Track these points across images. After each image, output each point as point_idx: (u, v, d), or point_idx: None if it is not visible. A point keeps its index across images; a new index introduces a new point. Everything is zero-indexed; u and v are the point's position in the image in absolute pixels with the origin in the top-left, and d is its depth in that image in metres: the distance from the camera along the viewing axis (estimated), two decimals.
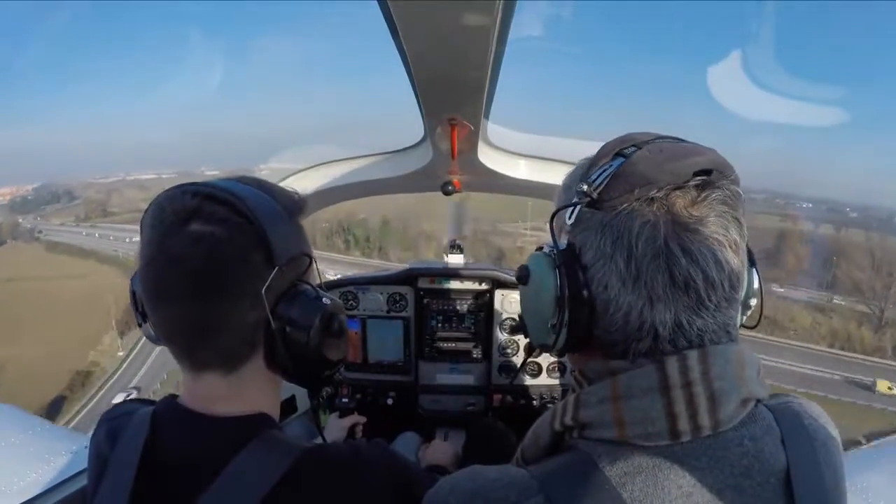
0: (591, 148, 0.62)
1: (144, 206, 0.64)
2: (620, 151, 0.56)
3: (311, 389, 0.76)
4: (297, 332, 0.65)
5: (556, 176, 1.58)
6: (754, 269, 0.61)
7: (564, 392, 2.03)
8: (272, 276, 0.62)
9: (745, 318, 0.63)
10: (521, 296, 0.66)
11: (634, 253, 0.51)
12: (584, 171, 0.59)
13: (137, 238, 0.64)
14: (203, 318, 0.62)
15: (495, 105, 1.13)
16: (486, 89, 0.97)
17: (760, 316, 0.65)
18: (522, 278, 0.63)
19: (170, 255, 0.60)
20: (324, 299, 0.67)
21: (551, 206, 0.63)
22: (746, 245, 0.57)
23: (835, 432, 0.59)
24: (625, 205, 0.52)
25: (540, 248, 0.62)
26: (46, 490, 1.16)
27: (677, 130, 0.61)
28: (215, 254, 0.60)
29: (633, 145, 0.56)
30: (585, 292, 0.55)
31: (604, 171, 0.55)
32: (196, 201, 0.61)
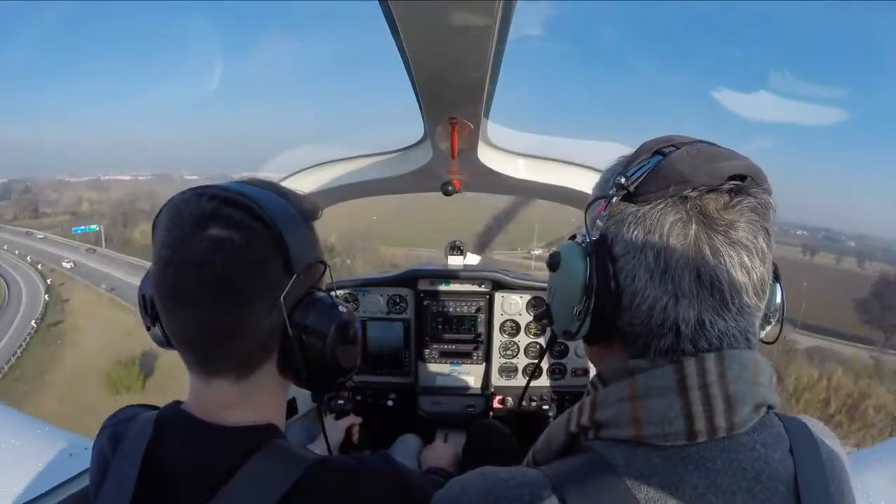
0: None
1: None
2: (659, 150, 0.57)
3: (321, 394, 0.76)
4: (313, 339, 0.65)
5: (557, 176, 1.57)
6: (778, 284, 0.62)
7: (562, 394, 2.03)
8: (290, 283, 0.62)
9: (763, 333, 0.63)
10: (550, 282, 0.67)
11: (664, 247, 0.53)
12: (624, 165, 0.60)
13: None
14: (220, 324, 0.61)
15: (495, 104, 1.13)
16: (487, 88, 0.97)
17: (780, 332, 0.65)
18: (553, 265, 0.64)
19: (187, 260, 0.59)
20: (339, 307, 0.68)
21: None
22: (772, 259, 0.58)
23: (840, 450, 0.60)
24: (659, 200, 0.54)
25: (573, 237, 0.63)
26: (46, 493, 1.15)
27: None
28: (234, 260, 0.60)
29: (672, 145, 0.57)
30: (613, 282, 0.56)
31: (642, 166, 0.57)
32: (213, 205, 0.60)
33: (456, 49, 0.81)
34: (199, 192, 0.62)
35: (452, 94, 1.03)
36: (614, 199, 0.57)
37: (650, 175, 0.55)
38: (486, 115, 1.19)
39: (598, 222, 0.59)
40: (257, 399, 0.67)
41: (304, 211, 0.69)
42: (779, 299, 0.62)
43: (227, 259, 0.59)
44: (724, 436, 0.51)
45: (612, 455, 0.52)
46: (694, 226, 0.52)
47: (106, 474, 0.65)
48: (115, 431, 0.69)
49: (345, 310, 0.69)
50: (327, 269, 0.72)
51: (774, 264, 0.59)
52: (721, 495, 0.49)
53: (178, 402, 0.69)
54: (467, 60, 0.85)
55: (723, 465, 0.50)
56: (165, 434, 0.65)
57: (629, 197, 0.56)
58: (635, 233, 0.55)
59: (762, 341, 0.64)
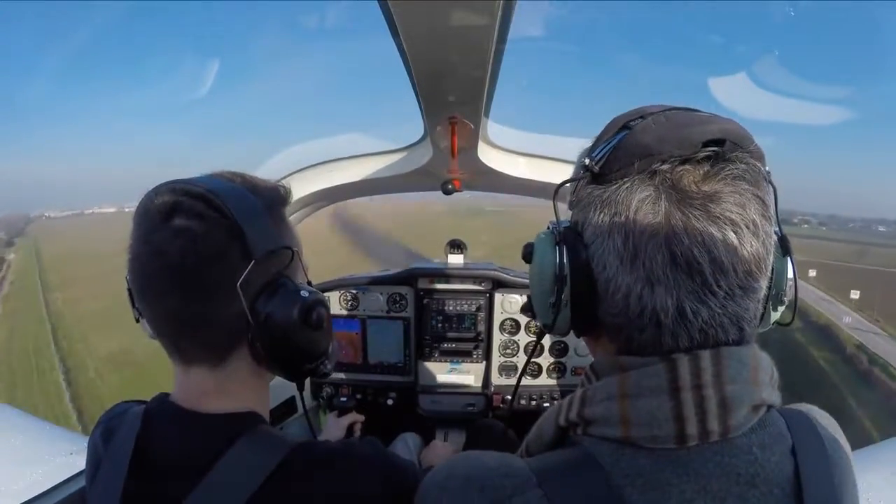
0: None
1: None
2: (626, 123, 0.52)
3: (297, 382, 0.76)
4: (275, 325, 0.65)
5: (556, 175, 1.58)
6: (788, 259, 0.55)
7: (563, 393, 2.03)
8: (248, 269, 0.62)
9: (777, 313, 0.57)
10: (529, 274, 0.64)
11: (632, 229, 0.48)
12: (592, 145, 0.55)
13: None
14: (185, 312, 0.63)
15: (495, 104, 1.13)
16: (487, 88, 0.97)
17: (794, 312, 0.58)
18: (526, 256, 0.60)
19: (152, 250, 0.62)
20: (302, 292, 0.67)
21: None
22: (780, 231, 0.53)
23: (846, 446, 0.56)
24: (625, 178, 0.49)
25: (548, 227, 0.60)
26: (45, 492, 1.15)
27: None
28: (193, 248, 0.61)
29: (640, 116, 0.52)
30: (585, 271, 0.52)
31: (607, 144, 0.52)
32: (176, 198, 0.63)
33: (456, 49, 0.81)
34: (165, 188, 0.65)
35: (452, 94, 1.03)
36: (581, 183, 0.53)
37: (614, 153, 0.50)
38: (486, 115, 1.19)
39: (568, 209, 0.56)
40: (235, 387, 0.68)
41: (268, 200, 0.69)
42: (790, 275, 0.56)
43: (185, 248, 0.61)
44: (718, 439, 0.47)
45: (600, 453, 0.49)
46: (664, 202, 0.47)
47: (98, 469, 0.66)
48: (107, 427, 0.71)
49: (307, 294, 0.67)
50: (295, 254, 0.71)
51: (783, 237, 0.54)
52: (711, 500, 0.46)
53: (165, 395, 0.71)
54: (467, 60, 0.85)
55: (714, 470, 0.46)
56: (153, 425, 0.66)
57: (596, 178, 0.52)
58: (602, 216, 0.50)
59: (778, 323, 0.59)
